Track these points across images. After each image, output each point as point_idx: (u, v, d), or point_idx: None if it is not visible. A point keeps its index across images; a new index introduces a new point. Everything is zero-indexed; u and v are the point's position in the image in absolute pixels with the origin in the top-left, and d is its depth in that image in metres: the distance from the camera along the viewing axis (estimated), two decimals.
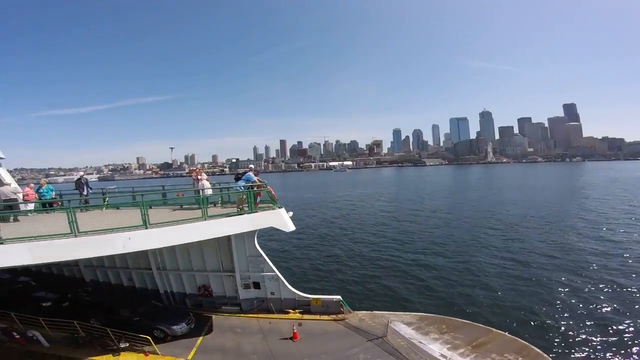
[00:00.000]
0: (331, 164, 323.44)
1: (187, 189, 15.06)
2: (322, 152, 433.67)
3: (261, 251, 14.85)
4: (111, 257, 16.81)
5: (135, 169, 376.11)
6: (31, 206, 13.56)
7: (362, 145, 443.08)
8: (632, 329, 14.20)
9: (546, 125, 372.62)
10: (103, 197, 16.71)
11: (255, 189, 12.59)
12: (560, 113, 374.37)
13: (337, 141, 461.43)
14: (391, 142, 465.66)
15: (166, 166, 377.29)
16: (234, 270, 15.10)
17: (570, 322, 15.10)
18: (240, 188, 12.65)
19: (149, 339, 12.05)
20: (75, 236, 9.28)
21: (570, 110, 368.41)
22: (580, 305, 16.70)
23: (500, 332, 12.39)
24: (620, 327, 14.40)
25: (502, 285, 19.84)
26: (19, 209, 12.76)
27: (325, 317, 14.40)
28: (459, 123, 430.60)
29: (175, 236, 10.82)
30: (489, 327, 12.86)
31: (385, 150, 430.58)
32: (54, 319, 13.29)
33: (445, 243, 29.99)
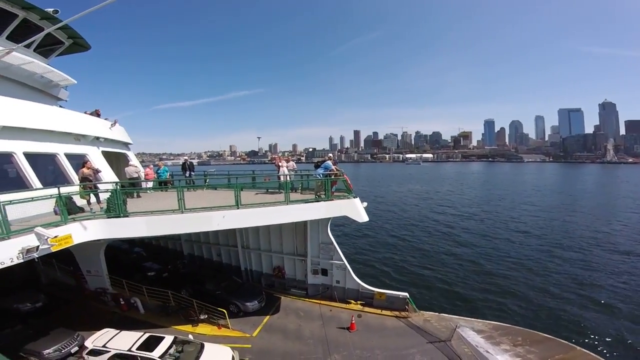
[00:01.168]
0: (407, 156, 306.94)
1: (273, 174, 15.90)
2: (398, 144, 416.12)
3: (333, 239, 15.35)
4: (206, 233, 19.44)
5: (227, 156, 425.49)
6: (150, 184, 15.58)
7: (446, 137, 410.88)
8: None
9: None
10: (204, 178, 19.06)
11: (332, 177, 12.80)
12: None
13: (417, 132, 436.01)
14: (482, 134, 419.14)
15: (253, 154, 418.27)
16: (306, 254, 16.01)
17: None
18: (319, 175, 12.99)
19: (224, 313, 13.37)
20: (182, 212, 10.65)
21: None
22: None
23: (585, 350, 10.95)
24: None
25: (609, 306, 16.99)
26: (141, 186, 14.91)
27: (387, 312, 14.44)
28: (570, 115, 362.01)
29: (261, 217, 11.64)
30: (572, 344, 11.43)
31: (474, 143, 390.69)
32: (154, 288, 15.19)
33: (537, 251, 26.58)
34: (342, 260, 15.39)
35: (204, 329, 13.57)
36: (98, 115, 17.49)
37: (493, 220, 39.37)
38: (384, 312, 14.52)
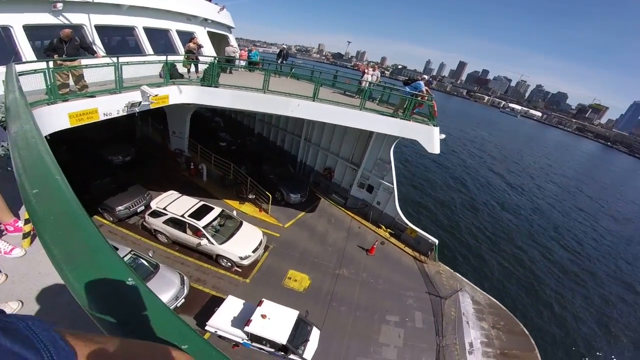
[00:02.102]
0: (511, 105, 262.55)
1: (356, 79, 15.51)
2: (508, 90, 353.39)
3: (392, 158, 14.96)
4: (279, 117, 20.55)
5: (314, 53, 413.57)
6: (243, 63, 16.92)
7: (572, 102, 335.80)
8: None
9: None
10: (291, 67, 19.35)
11: (419, 99, 12.17)
12: None
13: (539, 85, 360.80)
14: (621, 114, 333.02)
15: (338, 56, 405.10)
16: (360, 165, 16.21)
17: None
18: (405, 94, 12.39)
19: (269, 197, 14.51)
20: (264, 93, 11.56)
21: None
22: None
23: (539, 357, 11.10)
24: None
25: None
26: (235, 64, 15.98)
27: (409, 250, 14.79)
28: None
29: (332, 115, 11.96)
30: (534, 345, 11.54)
31: (603, 121, 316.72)
32: (221, 158, 16.53)
33: (596, 259, 24.10)
34: (392, 184, 15.16)
35: (248, 208, 14.98)
36: (209, 0, 18.47)
37: (568, 209, 35.03)
38: (406, 248, 14.91)
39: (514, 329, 12.13)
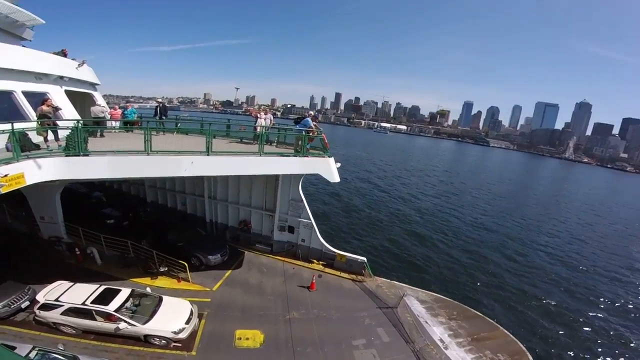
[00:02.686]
0: (382, 124, 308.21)
1: (250, 125, 15.50)
2: (377, 112, 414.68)
3: (303, 196, 15.35)
4: (172, 180, 18.75)
5: (200, 103, 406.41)
6: (116, 124, 14.88)
7: (425, 112, 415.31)
8: None
9: None
10: (175, 121, 18.18)
11: (310, 134, 12.73)
12: None
13: (398, 103, 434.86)
14: (460, 114, 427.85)
15: (227, 104, 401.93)
16: (275, 210, 16.00)
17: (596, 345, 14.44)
18: (297, 132, 12.86)
19: (185, 266, 13.17)
20: (148, 154, 10.07)
21: None
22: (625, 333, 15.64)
23: (505, 331, 12.31)
24: None
25: (537, 290, 19.10)
26: (106, 125, 14.11)
27: (345, 275, 15.12)
28: (546, 109, 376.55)
29: (232, 166, 11.47)
30: (497, 324, 12.83)
31: (449, 122, 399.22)
32: (113, 237, 14.29)
33: (489, 232, 28.86)
34: (310, 219, 15.54)
35: (163, 281, 13.37)
36: (65, 55, 16.60)
37: (456, 199, 41.64)
38: (342, 274, 15.22)
39: (468, 314, 13.09)
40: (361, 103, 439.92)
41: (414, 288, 14.65)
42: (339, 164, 13.71)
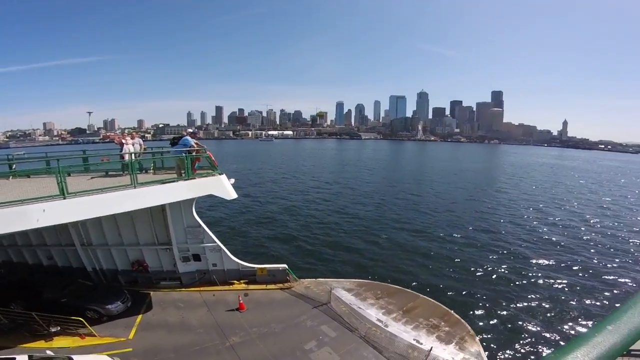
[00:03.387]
0: (270, 133, 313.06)
1: (114, 154, 13.60)
2: (263, 121, 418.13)
3: (200, 221, 14.19)
4: (24, 234, 14.57)
5: (40, 135, 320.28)
6: None
7: (307, 115, 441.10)
8: (537, 303, 16.17)
9: (474, 109, 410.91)
10: (9, 163, 13.90)
11: (193, 153, 11.99)
12: (488, 99, 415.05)
13: (282, 110, 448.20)
14: (335, 114, 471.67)
15: (79, 132, 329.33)
16: (171, 242, 14.23)
17: (486, 292, 17.08)
18: (176, 153, 11.93)
19: (82, 321, 11.15)
20: None
21: (497, 97, 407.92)
22: (495, 277, 18.99)
23: (427, 298, 13.71)
24: (526, 302, 16.23)
25: (431, 256, 21.79)
26: None
27: (272, 286, 14.63)
28: (397, 101, 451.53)
29: (99, 206, 9.81)
30: (417, 293, 14.17)
31: (328, 122, 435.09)
32: None
33: (380, 216, 31.88)
34: (215, 242, 14.49)
35: (63, 341, 11.18)
36: None
37: (350, 192, 45.29)
38: (268, 286, 14.67)
39: (390, 290, 14.06)
40: (246, 114, 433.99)
41: (338, 280, 15.18)
42: (232, 180, 13.21)
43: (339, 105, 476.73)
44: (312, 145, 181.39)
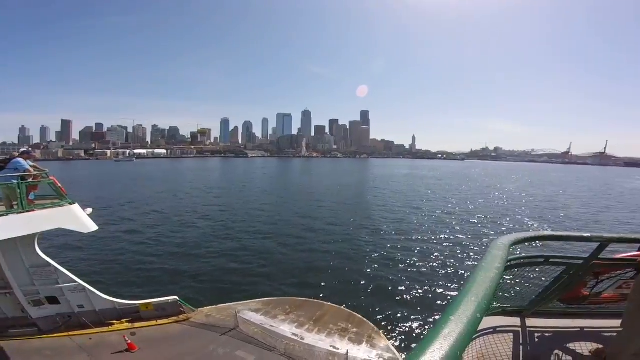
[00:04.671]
0: (136, 151, 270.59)
1: None
2: (127, 138, 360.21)
3: (49, 259, 11.73)
4: None
5: None
6: None
7: (185, 132, 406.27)
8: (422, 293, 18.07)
9: (348, 127, 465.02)
10: None
11: (30, 180, 10.19)
12: (358, 117, 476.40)
13: (155, 126, 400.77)
14: (219, 131, 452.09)
15: None
16: (9, 287, 11.29)
17: (375, 289, 18.44)
18: (5, 180, 9.67)
19: None
20: None
21: (365, 116, 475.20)
22: (378, 275, 20.70)
23: (331, 304, 14.18)
24: (416, 292, 18.04)
25: (326, 263, 22.39)
26: None
27: (165, 320, 12.61)
28: (284, 119, 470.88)
29: None
30: (321, 301, 14.55)
31: (212, 140, 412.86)
32: None
33: (269, 230, 31.30)
34: (76, 281, 12.09)
35: None
36: None
37: (227, 212, 43.61)
38: (159, 321, 12.56)
39: (297, 303, 13.94)
40: (105, 130, 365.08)
41: (242, 302, 14.19)
42: (89, 210, 11.70)
43: (225, 122, 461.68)
44: (191, 166, 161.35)
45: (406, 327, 14.64)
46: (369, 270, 21.36)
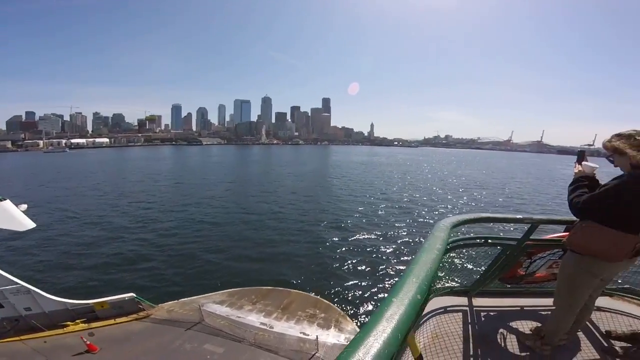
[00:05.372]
0: (74, 141, 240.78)
1: None
2: (64, 127, 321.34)
3: None
4: None
5: None
6: None
7: (131, 119, 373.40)
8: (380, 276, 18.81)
9: (309, 114, 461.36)
10: None
11: None
12: (320, 105, 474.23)
13: (96, 113, 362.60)
14: (170, 118, 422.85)
15: None
16: None
17: (343, 275, 18.78)
18: None
19: None
20: None
21: (326, 103, 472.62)
22: (345, 259, 21.16)
23: (297, 291, 14.46)
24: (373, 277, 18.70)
25: (287, 251, 22.40)
26: None
27: (124, 318, 12.18)
28: (242, 105, 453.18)
29: None
30: (288, 289, 14.72)
31: (162, 127, 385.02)
32: None
33: (225, 220, 30.56)
34: (18, 283, 11.49)
35: None
36: None
37: (164, 205, 42.04)
38: (118, 320, 12.08)
39: (263, 292, 14.04)
40: (38, 118, 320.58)
41: (205, 295, 13.96)
42: (24, 206, 11.31)
43: (176, 109, 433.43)
44: (140, 155, 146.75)
45: (369, 308, 15.25)
46: (330, 256, 21.89)
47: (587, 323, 3.13)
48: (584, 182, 2.53)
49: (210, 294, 14.09)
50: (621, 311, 3.46)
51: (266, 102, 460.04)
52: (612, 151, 2.37)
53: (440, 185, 57.59)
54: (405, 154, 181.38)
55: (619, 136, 2.37)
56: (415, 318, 1.07)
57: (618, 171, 2.37)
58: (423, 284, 1.18)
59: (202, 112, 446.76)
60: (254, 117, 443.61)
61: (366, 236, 26.25)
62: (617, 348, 2.86)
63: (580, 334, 3.02)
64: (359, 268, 19.76)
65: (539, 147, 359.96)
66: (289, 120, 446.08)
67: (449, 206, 39.36)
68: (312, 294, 14.22)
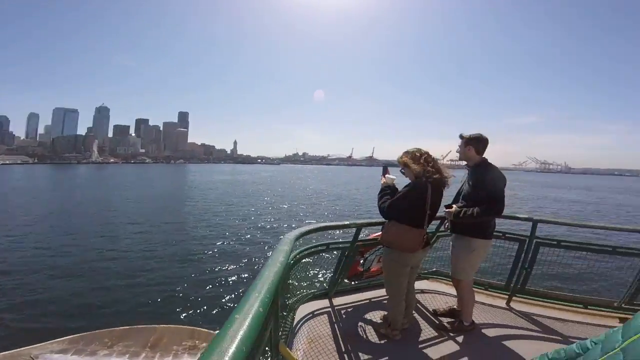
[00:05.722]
0: None
1: None
2: None
3: None
4: None
5: None
6: None
7: None
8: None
9: (161, 128, 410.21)
10: None
11: None
12: (175, 119, 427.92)
13: None
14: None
15: None
16: None
17: (207, 297, 18.46)
18: None
19: None
20: None
21: (184, 117, 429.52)
22: (206, 280, 20.63)
23: (165, 325, 12.98)
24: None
25: (135, 283, 20.70)
26: None
27: None
28: (65, 115, 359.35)
29: None
30: (150, 325, 13.11)
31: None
32: None
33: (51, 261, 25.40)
34: None
35: None
36: None
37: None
38: None
39: (117, 333, 11.34)
40: None
41: (38, 345, 11.19)
42: None
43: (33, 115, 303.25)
44: None
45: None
46: (189, 280, 20.96)
47: (419, 305, 3.69)
48: (387, 191, 3.00)
49: (45, 343, 11.33)
50: (439, 291, 4.20)
51: (102, 113, 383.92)
52: (402, 165, 2.92)
53: (302, 200, 62.76)
54: (268, 172, 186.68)
55: (406, 153, 2.91)
56: (261, 331, 1.10)
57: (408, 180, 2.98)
58: (265, 297, 1.18)
59: (2, 122, 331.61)
60: (82, 130, 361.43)
61: (226, 256, 26.18)
62: (445, 324, 3.33)
63: (417, 315, 3.51)
64: (220, 288, 19.87)
65: (371, 162, 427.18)
66: (133, 134, 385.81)
67: (308, 219, 43.68)
68: (186, 325, 13.23)
